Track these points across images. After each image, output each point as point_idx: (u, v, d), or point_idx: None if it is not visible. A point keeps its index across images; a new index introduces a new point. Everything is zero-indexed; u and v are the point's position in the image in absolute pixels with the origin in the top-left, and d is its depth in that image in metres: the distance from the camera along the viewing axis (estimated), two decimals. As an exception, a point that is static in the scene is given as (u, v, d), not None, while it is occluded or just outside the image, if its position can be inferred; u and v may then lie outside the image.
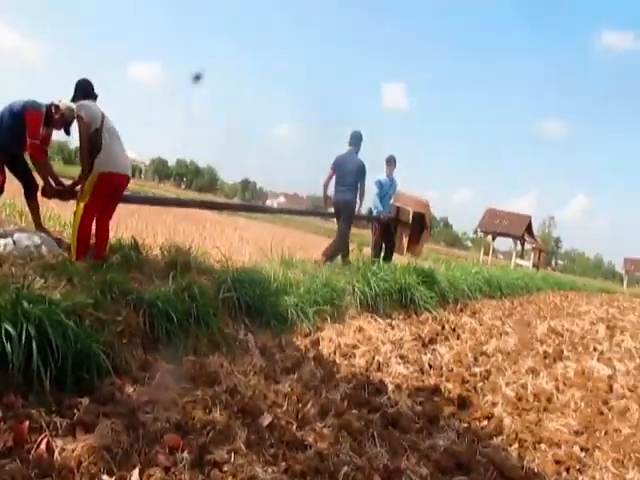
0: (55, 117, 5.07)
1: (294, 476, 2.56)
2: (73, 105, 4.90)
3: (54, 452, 2.32)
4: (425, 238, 9.31)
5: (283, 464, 2.64)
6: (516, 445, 3.51)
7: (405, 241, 8.95)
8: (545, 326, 7.92)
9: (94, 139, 4.72)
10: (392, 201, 9.04)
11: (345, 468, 2.73)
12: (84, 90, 4.91)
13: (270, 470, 2.56)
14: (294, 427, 3.13)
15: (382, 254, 8.69)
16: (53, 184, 5.16)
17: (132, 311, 3.71)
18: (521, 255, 28.27)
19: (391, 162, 8.96)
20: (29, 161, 5.23)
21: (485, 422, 3.85)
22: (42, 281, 3.53)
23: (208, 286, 4.62)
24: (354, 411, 3.50)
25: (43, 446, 2.33)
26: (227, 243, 8.09)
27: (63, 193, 5.19)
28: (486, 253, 27.63)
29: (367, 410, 3.57)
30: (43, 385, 2.76)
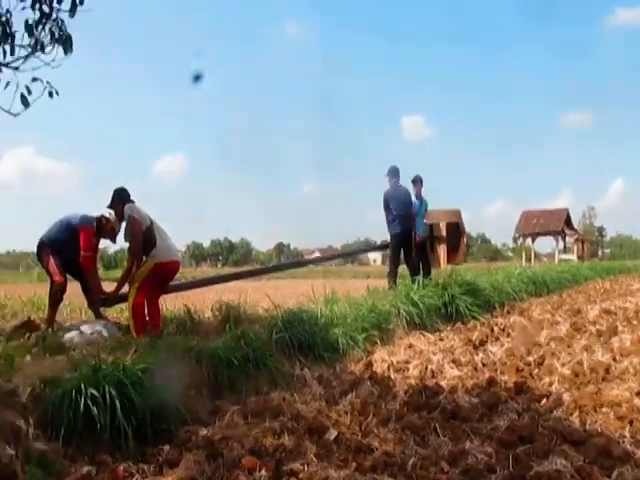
0: (106, 228, 5.66)
1: (365, 472, 2.77)
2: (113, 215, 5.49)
3: (147, 490, 2.62)
4: (464, 244, 9.47)
5: (353, 464, 2.86)
6: (577, 413, 3.60)
7: (443, 255, 9.07)
8: (597, 309, 7.87)
9: (147, 235, 5.25)
10: (425, 220, 9.27)
11: (412, 459, 2.93)
12: (122, 197, 5.48)
13: (341, 471, 2.78)
14: (359, 437, 3.34)
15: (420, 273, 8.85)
16: (99, 294, 5.65)
17: (195, 365, 4.05)
18: (564, 249, 27.64)
19: (417, 182, 9.18)
20: None
21: (544, 401, 3.94)
22: (112, 356, 3.93)
23: (261, 331, 4.96)
24: (414, 414, 3.68)
25: (138, 486, 2.63)
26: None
27: (106, 300, 5.67)
28: (527, 258, 27.14)
29: (426, 411, 3.74)
30: (127, 440, 3.09)
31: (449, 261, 9.16)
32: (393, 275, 8.34)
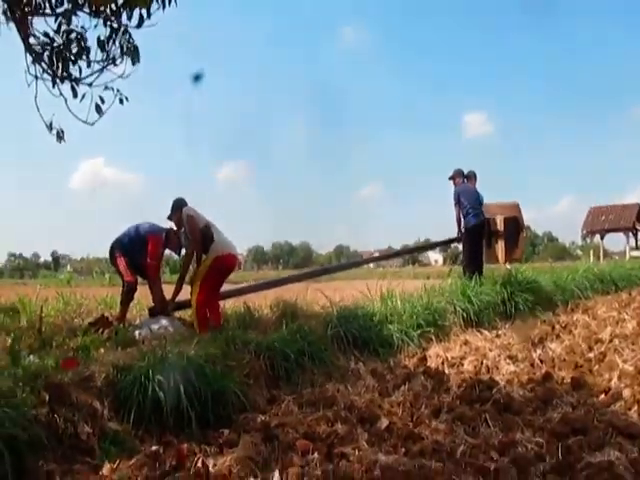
0: (173, 240, 6.02)
1: (413, 457, 2.86)
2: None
3: (208, 467, 2.82)
4: (523, 239, 9.22)
5: (402, 449, 2.96)
6: (636, 407, 3.52)
7: (501, 251, 8.85)
8: (669, 307, 7.51)
9: (204, 232, 5.54)
10: None
11: (461, 447, 2.98)
12: (180, 206, 5.80)
13: (390, 456, 2.88)
14: (410, 426, 3.42)
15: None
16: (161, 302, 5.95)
17: (254, 357, 4.28)
18: (636, 246, 26.18)
19: (471, 177, 9.11)
20: None
21: (602, 396, 3.87)
22: (177, 348, 4.21)
23: (317, 326, 5.15)
24: (466, 407, 3.72)
25: (199, 463, 2.83)
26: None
27: (165, 309, 5.90)
28: (597, 256, 25.90)
29: (479, 404, 3.76)
30: (191, 423, 3.33)
31: (507, 257, 8.88)
32: (475, 266, 8.25)
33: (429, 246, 9.47)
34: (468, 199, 8.43)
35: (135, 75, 4.91)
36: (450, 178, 8.76)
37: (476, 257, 8.47)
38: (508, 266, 9.88)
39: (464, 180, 8.70)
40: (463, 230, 8.49)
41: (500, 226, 8.71)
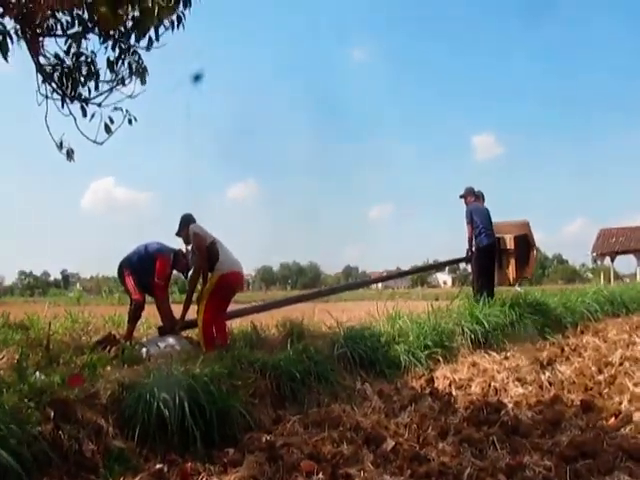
0: (181, 261, 6.06)
1: (419, 479, 2.83)
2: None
3: (212, 486, 2.81)
4: (533, 257, 9.11)
5: (408, 471, 2.92)
6: (646, 431, 3.46)
7: (512, 269, 8.74)
8: (681, 330, 7.41)
9: (211, 250, 5.57)
10: None
11: (468, 470, 2.94)
12: (187, 222, 5.83)
13: (396, 478, 2.85)
14: (416, 448, 3.38)
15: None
16: (169, 321, 5.95)
17: (260, 376, 4.25)
18: (646, 269, 25.93)
19: (479, 197, 9.09)
20: None
21: (612, 419, 3.81)
22: (183, 366, 4.20)
23: (323, 346, 5.13)
24: (473, 429, 3.67)
25: (203, 482, 2.83)
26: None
27: (174, 327, 5.88)
28: (607, 278, 25.63)
29: (487, 426, 3.72)
30: (196, 442, 3.31)
31: (518, 275, 8.76)
32: (486, 287, 8.17)
33: (437, 265, 9.35)
34: (481, 218, 8.36)
35: (144, 94, 5.01)
36: (461, 196, 8.70)
37: (487, 277, 8.40)
38: (518, 288, 9.83)
39: (475, 199, 8.66)
40: (475, 250, 8.41)
41: (510, 244, 8.60)
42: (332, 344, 5.23)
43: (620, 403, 4.10)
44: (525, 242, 8.82)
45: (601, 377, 4.93)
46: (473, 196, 8.63)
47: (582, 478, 2.79)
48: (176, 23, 4.67)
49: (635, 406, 3.99)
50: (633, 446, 3.17)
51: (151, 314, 7.03)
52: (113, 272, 6.32)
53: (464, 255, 8.73)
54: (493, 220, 8.67)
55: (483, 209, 8.54)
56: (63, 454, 2.86)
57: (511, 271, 8.66)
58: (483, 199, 8.91)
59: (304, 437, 3.50)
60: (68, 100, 4.96)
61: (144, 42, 4.78)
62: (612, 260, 26.91)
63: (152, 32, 4.66)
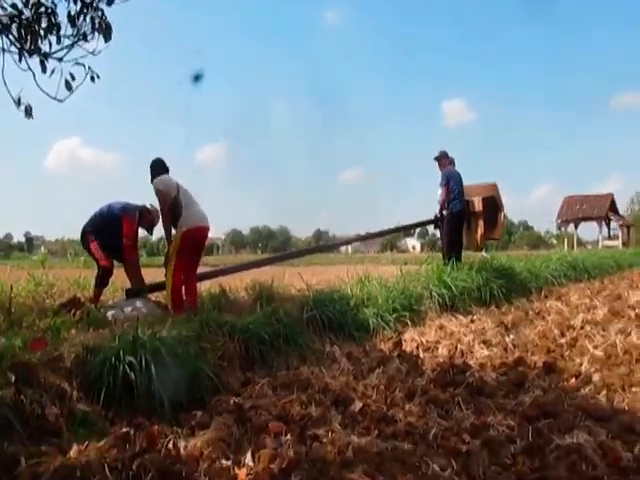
0: (146, 219, 5.88)
1: (386, 439, 2.86)
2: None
3: (179, 449, 2.78)
4: (501, 219, 9.18)
5: (376, 432, 2.96)
6: (604, 391, 3.59)
7: (480, 231, 8.78)
8: (639, 295, 7.66)
9: (174, 205, 5.40)
10: None
11: (434, 430, 3.00)
12: (158, 168, 5.63)
13: (363, 438, 2.88)
14: (384, 409, 3.43)
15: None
16: (137, 282, 5.85)
17: (228, 339, 4.22)
18: (609, 236, 26.71)
19: (452, 162, 9.07)
20: None
21: (572, 380, 3.94)
22: (150, 329, 4.13)
23: (292, 309, 5.11)
24: (440, 390, 3.74)
25: (170, 445, 2.79)
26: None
27: (142, 292, 5.81)
28: (570, 245, 26.36)
29: (452, 387, 3.79)
30: (163, 406, 3.27)
31: (486, 236, 8.83)
32: (456, 251, 8.25)
33: (406, 227, 9.14)
34: (456, 184, 8.38)
35: (108, 53, 4.75)
36: (436, 159, 8.65)
37: (456, 242, 8.47)
38: (485, 254, 9.96)
39: (449, 163, 8.62)
40: (446, 213, 8.42)
41: (479, 207, 8.63)
42: (301, 307, 5.22)
43: (581, 365, 4.23)
44: (493, 204, 8.85)
45: (563, 340, 5.08)
46: (447, 159, 8.61)
47: (543, 437, 2.87)
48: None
49: (594, 367, 4.12)
50: (592, 406, 3.29)
51: (118, 277, 6.88)
52: (78, 235, 6.11)
53: (433, 217, 8.73)
54: (465, 183, 8.70)
55: (457, 174, 8.54)
56: (25, 419, 2.78)
57: (480, 233, 8.70)
58: (454, 165, 8.90)
59: (272, 399, 3.50)
60: (26, 54, 4.67)
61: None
62: (576, 227, 27.64)
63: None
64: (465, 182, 8.71)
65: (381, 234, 8.05)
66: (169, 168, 5.66)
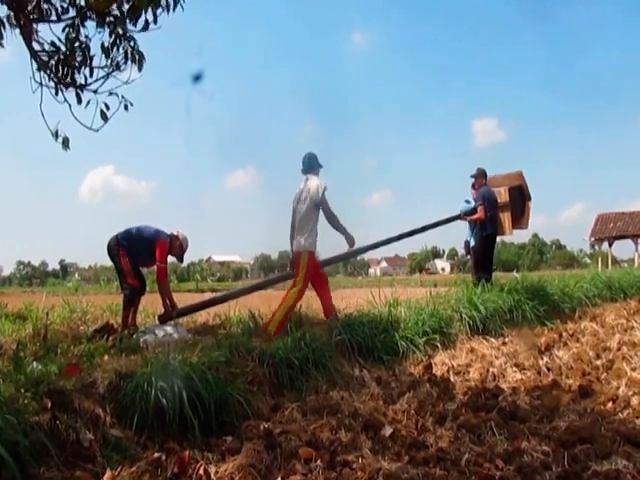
0: (175, 246, 6.02)
1: (417, 465, 2.83)
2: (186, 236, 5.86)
3: (210, 474, 2.80)
4: (529, 208, 8.89)
5: (406, 457, 2.93)
6: (644, 416, 3.47)
7: (508, 222, 8.54)
8: (679, 314, 7.41)
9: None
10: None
11: (466, 455, 2.95)
12: (311, 163, 5.89)
13: (394, 464, 2.85)
14: (414, 434, 3.39)
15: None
16: (170, 307, 5.92)
17: (258, 364, 4.24)
18: (645, 254, 25.93)
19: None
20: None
21: (610, 404, 3.82)
22: (181, 355, 4.19)
23: (321, 333, 5.11)
24: (471, 414, 3.68)
25: (201, 471, 2.82)
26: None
27: (174, 317, 5.87)
28: (605, 263, 25.64)
29: (484, 412, 3.72)
30: (194, 430, 3.30)
31: (514, 226, 8.46)
32: (486, 272, 8.09)
33: (434, 225, 8.73)
34: (491, 206, 8.17)
35: (140, 82, 4.94)
36: (473, 176, 8.50)
37: (487, 264, 8.34)
38: (515, 274, 9.75)
39: (486, 181, 8.43)
40: (478, 235, 8.27)
41: (505, 197, 8.32)
42: (330, 331, 5.22)
43: (618, 388, 4.11)
44: (520, 193, 8.59)
45: (599, 362, 4.94)
46: (484, 178, 8.42)
47: (580, 463, 2.79)
48: (172, 4, 4.57)
49: (633, 390, 3.99)
50: (631, 430, 3.19)
51: (149, 302, 7.02)
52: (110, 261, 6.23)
53: (454, 216, 8.38)
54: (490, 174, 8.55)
55: (494, 195, 8.28)
56: (60, 444, 2.85)
57: (507, 224, 8.43)
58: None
59: (302, 424, 3.49)
60: (63, 87, 4.89)
61: (140, 26, 4.70)
62: (610, 245, 26.94)
63: (150, 15, 4.58)
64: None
65: (411, 234, 7.85)
66: (322, 166, 5.94)
